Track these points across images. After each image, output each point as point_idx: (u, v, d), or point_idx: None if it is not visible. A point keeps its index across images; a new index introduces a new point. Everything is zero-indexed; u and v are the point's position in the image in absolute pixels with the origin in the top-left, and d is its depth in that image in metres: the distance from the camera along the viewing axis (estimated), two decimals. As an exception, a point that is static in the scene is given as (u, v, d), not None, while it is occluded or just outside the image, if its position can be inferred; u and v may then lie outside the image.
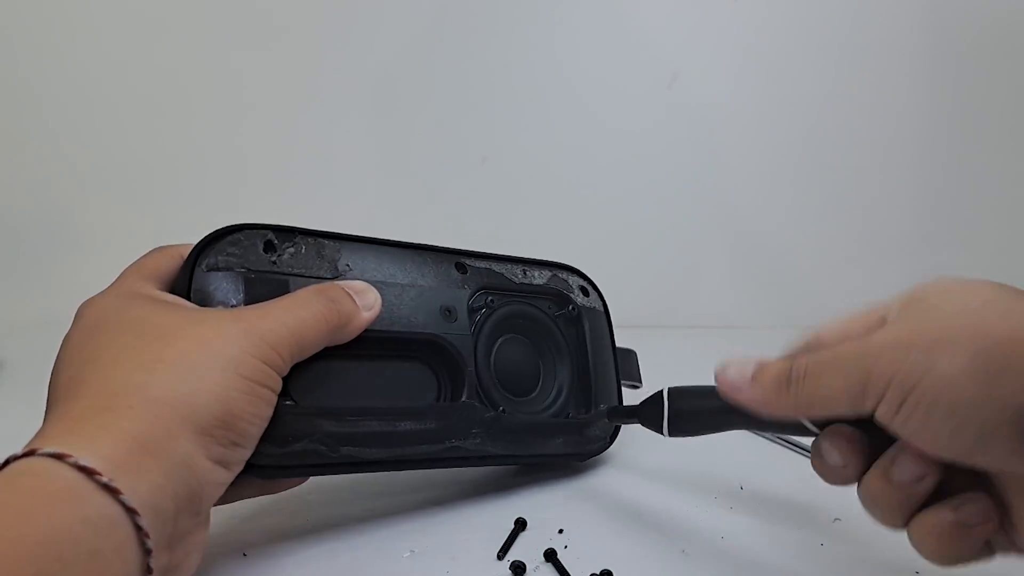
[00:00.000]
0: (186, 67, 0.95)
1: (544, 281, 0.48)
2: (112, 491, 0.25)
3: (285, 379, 0.34)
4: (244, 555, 0.36)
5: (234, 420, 0.30)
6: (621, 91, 1.01)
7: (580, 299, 0.50)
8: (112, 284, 0.35)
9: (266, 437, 0.34)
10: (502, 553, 0.37)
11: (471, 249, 0.46)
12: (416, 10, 0.98)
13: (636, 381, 0.54)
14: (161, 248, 0.37)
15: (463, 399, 0.41)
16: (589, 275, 0.52)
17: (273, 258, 0.37)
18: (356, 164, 1.00)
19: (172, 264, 0.36)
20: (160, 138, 0.95)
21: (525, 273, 0.48)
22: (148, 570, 0.26)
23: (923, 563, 0.38)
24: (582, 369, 0.49)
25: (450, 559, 0.37)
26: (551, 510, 0.42)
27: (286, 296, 0.35)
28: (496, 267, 0.46)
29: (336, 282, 0.37)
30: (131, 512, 0.25)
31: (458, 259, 0.44)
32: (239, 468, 0.32)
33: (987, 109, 1.06)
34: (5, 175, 0.92)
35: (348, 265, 0.39)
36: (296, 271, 0.37)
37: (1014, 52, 1.04)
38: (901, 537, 0.42)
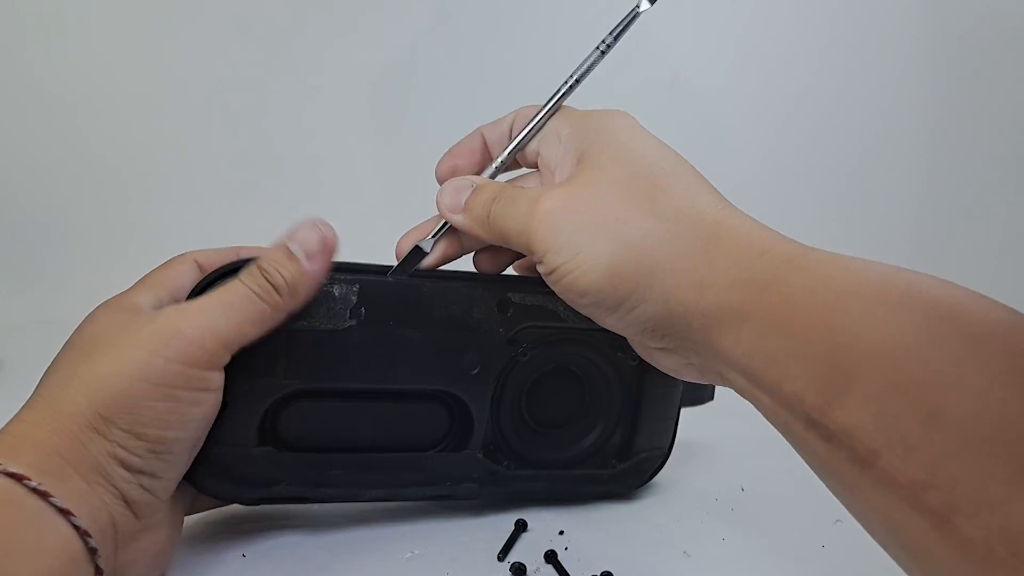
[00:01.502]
0: (186, 67, 0.95)
1: None
2: (42, 494, 0.25)
3: (272, 423, 0.36)
4: (243, 556, 0.36)
5: (143, 429, 0.29)
6: (622, 90, 1.00)
7: None
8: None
9: (246, 479, 0.35)
10: (503, 554, 0.37)
11: (529, 276, 0.40)
12: (415, 9, 0.97)
13: (706, 400, 0.48)
14: (175, 258, 0.36)
15: (467, 449, 0.39)
16: None
17: None
18: (356, 164, 1.00)
19: (184, 271, 0.35)
20: (161, 138, 0.95)
21: None
22: (99, 570, 0.27)
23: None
24: (631, 414, 0.43)
25: (450, 560, 0.37)
26: (552, 511, 0.42)
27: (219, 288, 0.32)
28: (551, 302, 0.39)
29: (279, 242, 0.33)
30: (64, 513, 0.26)
31: (503, 294, 0.38)
32: (174, 472, 0.31)
33: (989, 106, 1.06)
34: (5, 175, 0.92)
35: (363, 311, 0.35)
36: (297, 323, 0.34)
37: (1016, 49, 1.04)
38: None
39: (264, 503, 0.38)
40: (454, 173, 0.37)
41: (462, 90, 1.00)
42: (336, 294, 0.35)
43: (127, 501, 0.29)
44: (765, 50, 1.03)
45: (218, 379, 0.31)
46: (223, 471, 0.35)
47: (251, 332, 0.32)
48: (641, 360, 0.41)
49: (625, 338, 0.40)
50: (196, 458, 0.34)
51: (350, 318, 0.35)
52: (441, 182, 0.37)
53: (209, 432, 0.33)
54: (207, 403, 0.31)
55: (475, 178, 0.36)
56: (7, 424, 0.29)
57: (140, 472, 0.29)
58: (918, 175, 1.07)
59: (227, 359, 0.31)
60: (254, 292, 0.31)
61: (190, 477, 0.34)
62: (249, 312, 0.31)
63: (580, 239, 0.30)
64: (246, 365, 0.33)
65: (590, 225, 0.30)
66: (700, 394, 0.47)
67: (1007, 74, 1.05)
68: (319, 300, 0.35)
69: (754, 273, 0.27)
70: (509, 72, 1.01)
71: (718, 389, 0.48)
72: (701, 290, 0.28)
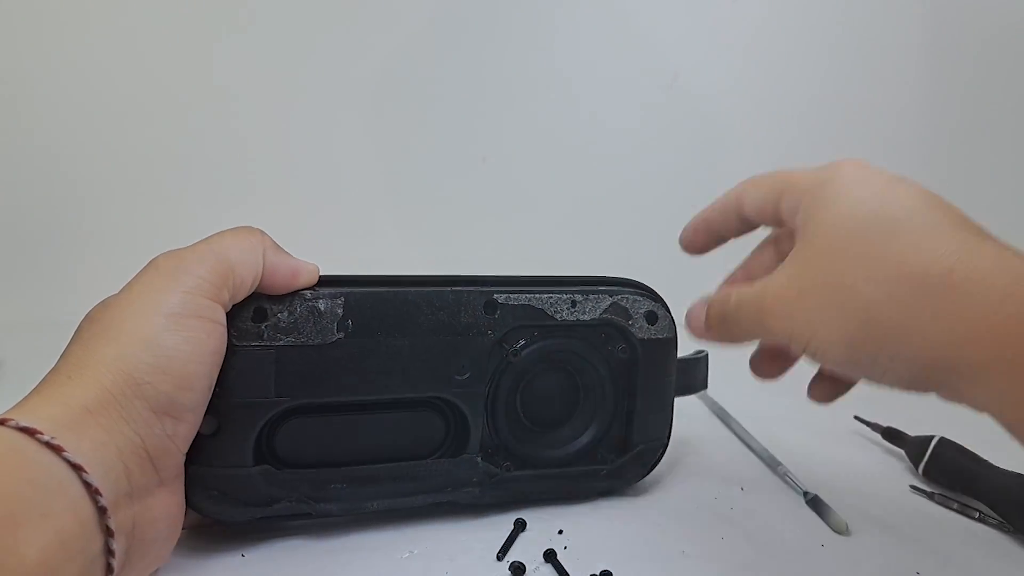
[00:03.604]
0: (186, 67, 0.95)
1: (598, 314, 0.40)
2: (55, 448, 0.25)
3: (267, 442, 0.36)
4: (243, 556, 0.36)
5: (168, 363, 0.29)
6: (621, 91, 1.01)
7: (642, 330, 0.42)
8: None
9: (245, 500, 0.35)
10: (502, 554, 0.37)
11: (512, 275, 0.40)
12: (416, 10, 0.98)
13: (699, 389, 0.49)
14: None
15: (465, 453, 0.39)
16: (658, 292, 0.43)
17: (261, 328, 0.34)
18: (356, 164, 1.00)
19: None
20: (161, 138, 0.95)
21: (575, 304, 0.40)
22: (108, 532, 0.26)
23: (924, 564, 0.38)
24: (626, 408, 0.43)
25: (449, 560, 0.37)
26: (551, 510, 0.42)
27: None
28: (537, 300, 0.39)
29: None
30: (77, 469, 0.25)
31: (489, 295, 0.38)
32: (194, 416, 0.31)
33: (990, 106, 1.06)
34: (5, 175, 0.92)
35: (350, 323, 0.35)
36: (285, 340, 0.34)
37: (1016, 52, 1.04)
38: (902, 538, 0.42)
39: (266, 522, 0.38)
40: (693, 245, 0.40)
41: (460, 92, 1.00)
42: (322, 308, 0.35)
43: (147, 449, 0.29)
44: (765, 50, 1.03)
45: (221, 314, 0.32)
46: (222, 493, 0.35)
47: (242, 271, 0.33)
48: (631, 352, 0.42)
49: (615, 331, 0.41)
50: (194, 480, 0.34)
51: (337, 331, 0.35)
52: (685, 250, 0.40)
53: (205, 454, 0.34)
54: (216, 335, 0.32)
55: (709, 296, 0.38)
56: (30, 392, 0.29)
57: (165, 413, 0.30)
58: (917, 174, 1.07)
59: (227, 297, 0.32)
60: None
61: (189, 500, 0.34)
62: (238, 254, 0.33)
63: (812, 321, 0.31)
64: (236, 385, 0.33)
65: (817, 306, 0.31)
66: (693, 383, 0.47)
67: (1010, 75, 1.05)
68: (305, 315, 0.35)
69: (991, 324, 0.27)
70: (508, 74, 1.01)
71: (711, 382, 0.49)
72: (939, 348, 0.28)
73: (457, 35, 0.99)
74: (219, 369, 0.32)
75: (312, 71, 0.97)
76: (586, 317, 0.40)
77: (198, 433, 0.33)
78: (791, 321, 0.32)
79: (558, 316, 0.40)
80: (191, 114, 0.95)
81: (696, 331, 0.39)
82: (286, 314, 0.34)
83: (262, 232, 0.35)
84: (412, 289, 0.37)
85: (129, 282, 0.32)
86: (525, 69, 1.01)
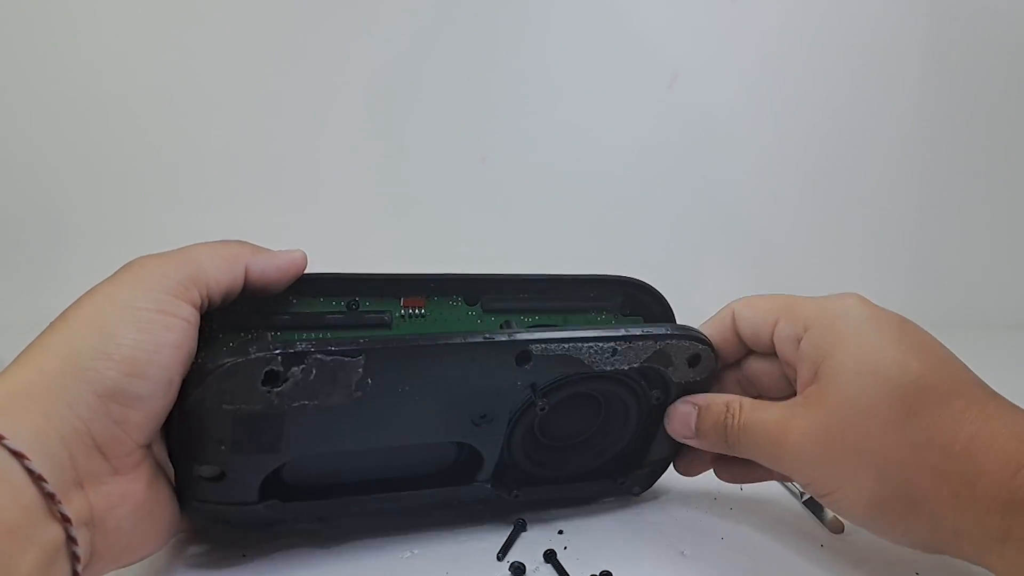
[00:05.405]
0: (183, 66, 0.95)
1: (639, 363, 0.37)
2: None
3: (274, 477, 0.35)
4: (244, 555, 0.36)
5: (116, 349, 0.28)
6: (621, 91, 1.01)
7: (682, 373, 0.39)
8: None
9: (250, 524, 0.36)
10: (502, 554, 0.37)
11: (533, 276, 0.39)
12: (415, 9, 0.98)
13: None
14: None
15: (476, 482, 0.39)
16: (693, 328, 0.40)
17: (272, 392, 0.31)
18: (354, 164, 1.00)
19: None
20: (161, 139, 0.95)
21: (615, 353, 0.36)
22: (64, 518, 0.26)
23: (923, 565, 0.38)
24: (646, 435, 0.42)
25: (450, 560, 0.37)
26: (551, 511, 0.42)
27: None
28: (575, 350, 0.36)
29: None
30: (18, 456, 0.25)
31: (524, 346, 0.35)
32: (148, 407, 0.29)
33: (991, 109, 1.06)
34: (4, 175, 0.92)
35: (368, 381, 0.32)
36: (297, 402, 0.31)
37: (1017, 55, 1.04)
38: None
39: (267, 529, 0.38)
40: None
41: (459, 92, 1.00)
42: (339, 372, 0.32)
43: (92, 436, 0.28)
44: (764, 51, 1.03)
45: (187, 310, 0.31)
46: (226, 520, 0.35)
47: (215, 274, 0.33)
48: (666, 398, 0.40)
49: (653, 375, 0.39)
50: (198, 511, 0.33)
51: (355, 390, 0.32)
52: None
53: (208, 494, 0.33)
54: (178, 329, 0.30)
55: (697, 398, 0.39)
56: None
57: (110, 398, 0.28)
58: (917, 174, 1.07)
59: (196, 296, 0.32)
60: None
61: (193, 518, 0.34)
62: (210, 259, 0.33)
63: (838, 475, 0.32)
64: (243, 442, 0.32)
65: (846, 460, 0.31)
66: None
67: (1011, 77, 1.05)
68: (321, 379, 0.32)
69: (1012, 493, 0.27)
70: (506, 73, 1.01)
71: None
72: (964, 515, 0.29)
73: (455, 34, 0.99)
74: (185, 364, 0.31)
75: (310, 70, 0.97)
76: (625, 367, 0.37)
77: (200, 477, 0.33)
78: (812, 471, 0.33)
79: (595, 367, 0.37)
80: (192, 115, 0.95)
81: (679, 432, 0.39)
82: (300, 378, 0.31)
83: (241, 242, 0.35)
84: (439, 340, 0.34)
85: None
86: (524, 68, 1.01)
